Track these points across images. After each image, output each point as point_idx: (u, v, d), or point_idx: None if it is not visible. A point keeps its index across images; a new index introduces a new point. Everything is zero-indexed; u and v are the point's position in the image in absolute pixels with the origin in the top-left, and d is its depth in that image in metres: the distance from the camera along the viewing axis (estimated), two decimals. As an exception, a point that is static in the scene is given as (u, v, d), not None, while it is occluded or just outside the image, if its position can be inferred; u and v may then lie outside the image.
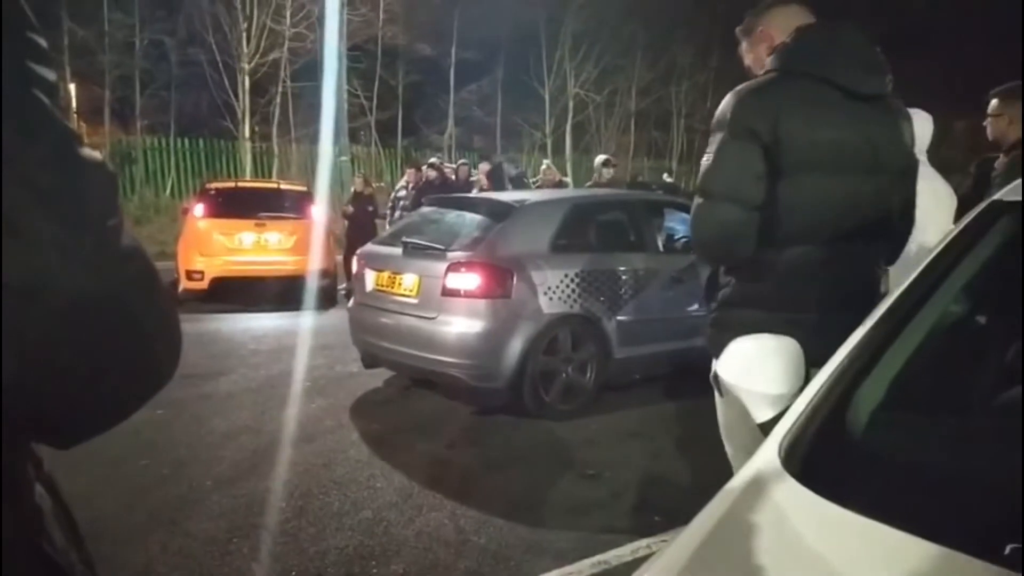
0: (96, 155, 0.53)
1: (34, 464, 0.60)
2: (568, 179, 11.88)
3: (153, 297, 0.56)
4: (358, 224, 9.34)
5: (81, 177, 0.51)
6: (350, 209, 9.64)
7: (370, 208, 9.62)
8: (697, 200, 1.81)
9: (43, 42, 0.52)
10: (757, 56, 1.94)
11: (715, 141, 1.78)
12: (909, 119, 1.89)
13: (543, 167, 9.69)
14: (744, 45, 1.99)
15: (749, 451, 1.19)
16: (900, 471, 1.09)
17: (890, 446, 1.16)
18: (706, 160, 1.78)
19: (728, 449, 1.88)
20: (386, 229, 7.58)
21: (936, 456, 1.12)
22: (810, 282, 1.72)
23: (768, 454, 1.13)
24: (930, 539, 0.89)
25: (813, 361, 1.47)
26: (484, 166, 9.36)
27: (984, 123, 3.59)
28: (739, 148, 1.71)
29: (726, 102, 1.78)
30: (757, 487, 1.08)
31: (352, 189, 10.73)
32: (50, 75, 0.51)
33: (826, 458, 1.11)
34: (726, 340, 1.65)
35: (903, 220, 1.82)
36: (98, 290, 0.50)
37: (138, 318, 0.54)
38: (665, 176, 14.89)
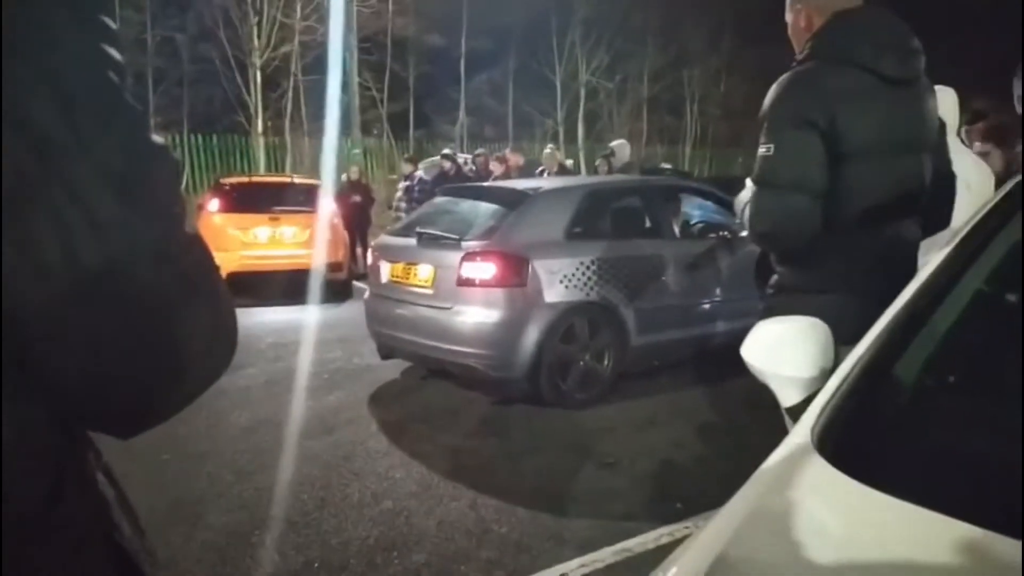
0: (162, 141, 0.52)
1: (94, 453, 0.60)
2: (570, 162, 11.79)
3: (213, 285, 0.55)
4: (354, 213, 9.69)
5: (152, 162, 0.50)
6: (357, 198, 9.88)
7: (371, 196, 9.93)
8: (759, 191, 1.84)
9: (112, 23, 0.51)
10: (796, 33, 1.96)
11: (770, 132, 1.81)
12: (934, 96, 1.96)
13: (546, 152, 9.57)
14: (789, 16, 1.99)
15: None
16: (935, 452, 1.06)
17: (925, 427, 1.13)
18: (765, 151, 1.81)
19: None
20: (398, 220, 7.59)
21: (970, 437, 1.09)
22: (878, 263, 1.80)
23: (800, 438, 1.10)
24: (964, 520, 0.86)
25: None
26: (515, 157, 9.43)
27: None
28: (799, 138, 1.77)
29: (776, 93, 1.82)
30: (790, 470, 1.05)
31: (345, 178, 10.90)
32: (119, 57, 0.50)
33: (860, 440, 1.08)
34: None
35: (940, 192, 1.91)
36: (166, 277, 0.50)
37: (200, 306, 0.53)
38: (663, 164, 14.60)
